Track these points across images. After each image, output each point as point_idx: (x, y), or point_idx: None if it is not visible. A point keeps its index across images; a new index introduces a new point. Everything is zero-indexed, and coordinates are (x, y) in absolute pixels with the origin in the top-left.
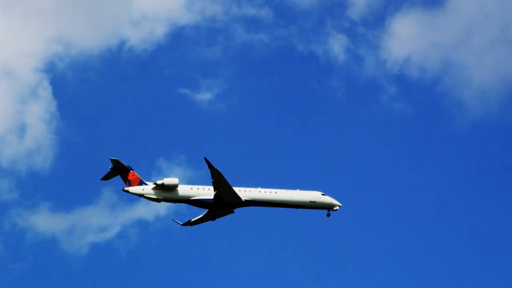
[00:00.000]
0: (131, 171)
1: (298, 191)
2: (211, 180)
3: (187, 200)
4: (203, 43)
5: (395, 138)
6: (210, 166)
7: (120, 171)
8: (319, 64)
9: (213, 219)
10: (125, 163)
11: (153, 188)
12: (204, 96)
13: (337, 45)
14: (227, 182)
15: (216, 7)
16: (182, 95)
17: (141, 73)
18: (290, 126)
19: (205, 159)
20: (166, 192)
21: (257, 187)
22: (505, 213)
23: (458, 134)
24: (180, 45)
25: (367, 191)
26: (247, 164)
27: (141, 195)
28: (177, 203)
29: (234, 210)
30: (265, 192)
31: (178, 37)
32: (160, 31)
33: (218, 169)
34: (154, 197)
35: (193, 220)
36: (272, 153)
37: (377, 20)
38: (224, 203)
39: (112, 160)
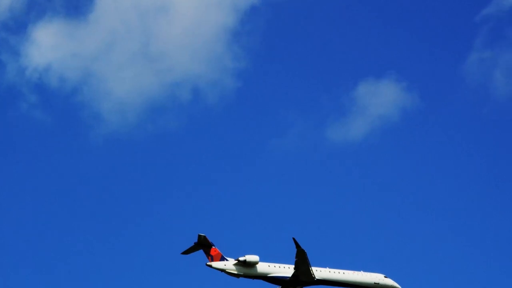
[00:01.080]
0: (213, 246)
1: (363, 272)
2: (294, 260)
3: (264, 277)
4: None
5: (34, 148)
6: (297, 246)
7: (203, 246)
8: None
9: None
10: None
11: (235, 264)
12: None
13: None
14: (308, 263)
15: None
16: None
17: None
18: None
19: (294, 239)
20: (247, 269)
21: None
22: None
23: (95, 146)
24: None
25: None
26: None
27: (222, 270)
28: (254, 279)
29: None
30: (334, 272)
31: None
32: None
33: (304, 249)
34: (235, 272)
35: None
36: None
37: (19, 26)
38: (299, 281)
39: (199, 235)
